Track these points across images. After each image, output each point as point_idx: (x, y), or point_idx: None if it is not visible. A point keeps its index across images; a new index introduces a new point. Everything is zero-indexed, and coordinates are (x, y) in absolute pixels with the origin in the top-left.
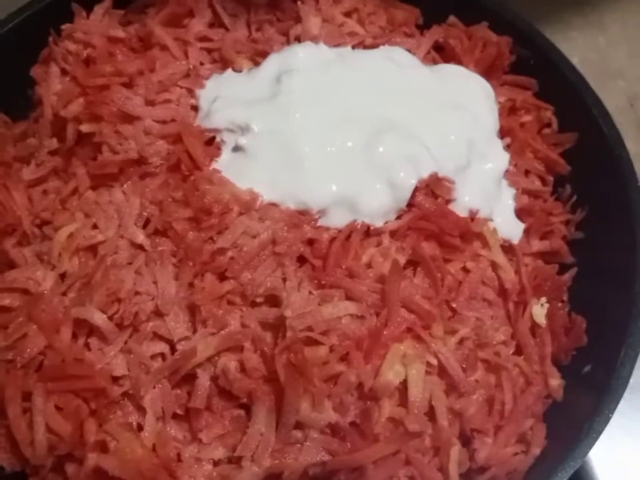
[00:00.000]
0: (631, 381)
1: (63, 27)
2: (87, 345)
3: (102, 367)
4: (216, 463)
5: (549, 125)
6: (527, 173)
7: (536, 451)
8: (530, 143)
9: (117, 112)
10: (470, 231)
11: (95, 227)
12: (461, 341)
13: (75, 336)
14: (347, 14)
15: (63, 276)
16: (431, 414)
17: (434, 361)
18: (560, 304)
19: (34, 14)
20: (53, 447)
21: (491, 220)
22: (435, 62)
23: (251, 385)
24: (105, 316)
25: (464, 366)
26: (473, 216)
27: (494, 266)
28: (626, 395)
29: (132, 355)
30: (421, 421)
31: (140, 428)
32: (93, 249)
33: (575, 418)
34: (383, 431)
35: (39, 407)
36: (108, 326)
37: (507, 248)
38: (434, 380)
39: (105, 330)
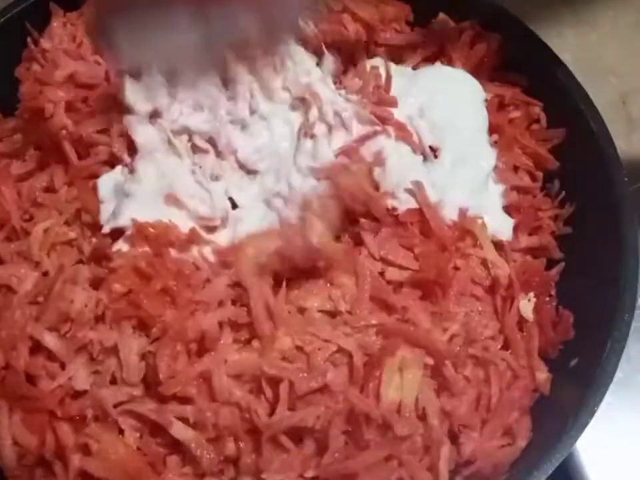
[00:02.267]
0: (618, 374)
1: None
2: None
3: (54, 389)
4: None
5: (537, 121)
6: (515, 168)
7: (521, 443)
8: (518, 139)
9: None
10: (462, 229)
11: (67, 223)
12: (450, 338)
13: (34, 351)
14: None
15: (46, 274)
16: (421, 413)
17: (430, 361)
18: (547, 298)
19: (27, 8)
20: (22, 457)
21: (481, 218)
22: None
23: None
24: (55, 338)
25: (454, 362)
26: (462, 214)
27: (484, 263)
28: (612, 387)
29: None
30: (411, 423)
31: (121, 430)
32: (69, 243)
33: (562, 411)
34: (373, 436)
35: (3, 422)
36: (60, 348)
37: (496, 244)
38: (426, 380)
39: (57, 352)
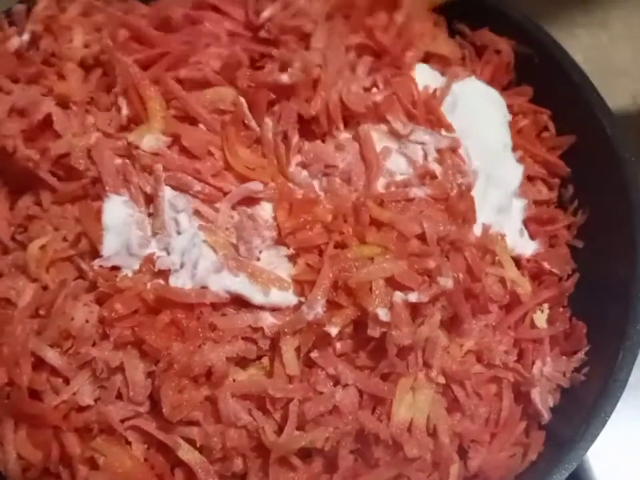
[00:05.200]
0: (629, 382)
1: None
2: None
3: (58, 404)
4: None
5: (547, 129)
6: (529, 178)
7: (532, 456)
8: (528, 148)
9: None
10: (484, 248)
11: (64, 239)
12: (465, 354)
13: (37, 367)
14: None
15: (45, 288)
16: (432, 431)
17: (442, 380)
18: (561, 309)
19: None
20: (27, 470)
21: (503, 234)
22: None
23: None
24: (57, 354)
25: (467, 381)
26: (485, 232)
27: (502, 281)
28: (624, 396)
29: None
30: (422, 444)
31: (128, 442)
32: (68, 259)
33: (572, 420)
34: (383, 455)
35: (8, 437)
36: (63, 364)
37: (515, 259)
38: (437, 398)
39: (60, 368)
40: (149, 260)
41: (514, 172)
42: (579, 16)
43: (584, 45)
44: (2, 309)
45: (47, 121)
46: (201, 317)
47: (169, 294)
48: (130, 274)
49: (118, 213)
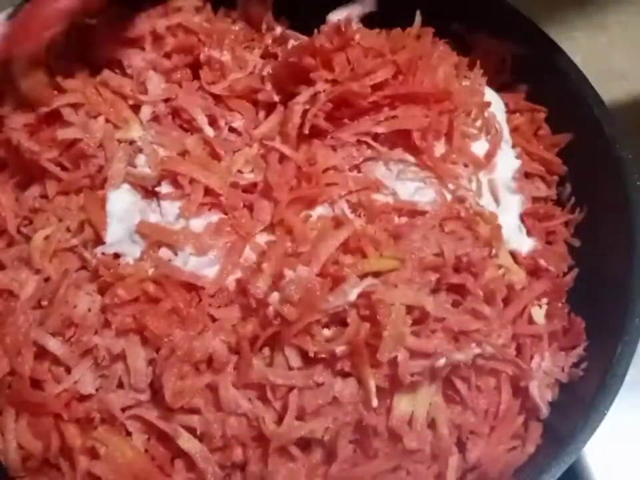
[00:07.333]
0: (627, 378)
1: None
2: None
3: (60, 392)
4: None
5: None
6: (528, 175)
7: (530, 449)
8: (525, 146)
9: None
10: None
11: (68, 230)
12: None
13: (39, 356)
14: None
15: (47, 279)
16: (430, 422)
17: None
18: (560, 305)
19: None
20: (27, 460)
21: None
22: None
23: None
24: (59, 343)
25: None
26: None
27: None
28: (621, 391)
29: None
30: (422, 437)
31: (128, 432)
32: (71, 250)
33: (571, 415)
34: (382, 447)
35: (9, 426)
36: (64, 353)
37: (512, 255)
38: (437, 389)
39: (62, 357)
40: (151, 247)
41: (510, 163)
42: (577, 19)
43: (582, 47)
44: (5, 300)
45: (55, 113)
46: (199, 306)
47: (168, 271)
48: (132, 262)
49: (122, 200)
